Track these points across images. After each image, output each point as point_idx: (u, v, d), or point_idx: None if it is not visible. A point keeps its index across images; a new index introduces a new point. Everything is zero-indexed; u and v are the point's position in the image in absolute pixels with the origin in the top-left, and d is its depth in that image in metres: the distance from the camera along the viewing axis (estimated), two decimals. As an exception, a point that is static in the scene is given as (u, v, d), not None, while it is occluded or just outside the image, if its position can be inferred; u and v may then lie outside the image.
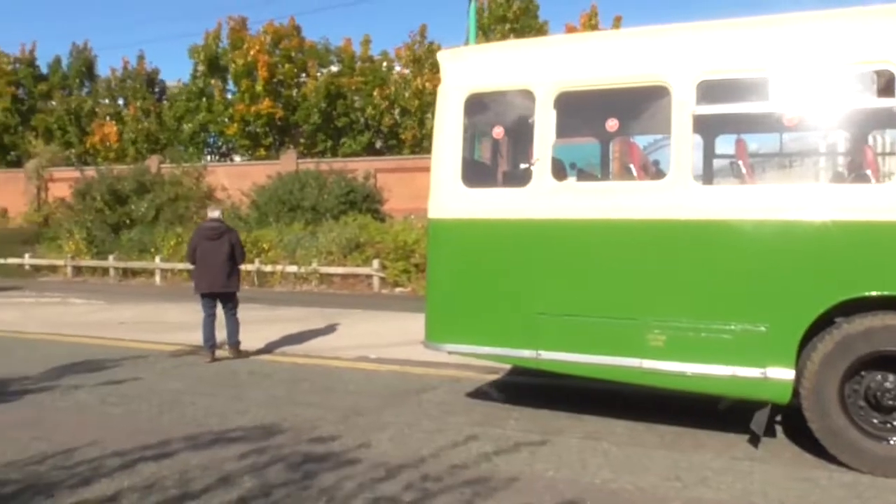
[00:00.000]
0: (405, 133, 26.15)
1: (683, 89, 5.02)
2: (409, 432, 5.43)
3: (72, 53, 32.61)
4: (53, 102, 31.28)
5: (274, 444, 5.10)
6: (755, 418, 4.91)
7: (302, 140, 28.18)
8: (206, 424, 5.67)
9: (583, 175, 6.98)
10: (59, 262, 22.78)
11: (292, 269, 18.80)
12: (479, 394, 6.68)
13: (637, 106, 5.90)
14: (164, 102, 30.82)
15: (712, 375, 4.89)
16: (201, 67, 28.72)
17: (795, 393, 4.75)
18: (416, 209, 17.82)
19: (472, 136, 6.36)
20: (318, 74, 27.98)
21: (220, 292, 8.51)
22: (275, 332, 10.20)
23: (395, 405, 6.28)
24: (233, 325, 8.60)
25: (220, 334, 8.54)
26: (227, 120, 28.02)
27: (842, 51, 4.77)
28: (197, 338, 8.69)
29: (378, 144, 27.81)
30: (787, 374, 4.72)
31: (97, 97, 31.55)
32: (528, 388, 6.80)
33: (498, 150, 6.87)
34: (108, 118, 30.35)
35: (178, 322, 11.70)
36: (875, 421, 4.63)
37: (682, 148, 5.06)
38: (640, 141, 7.26)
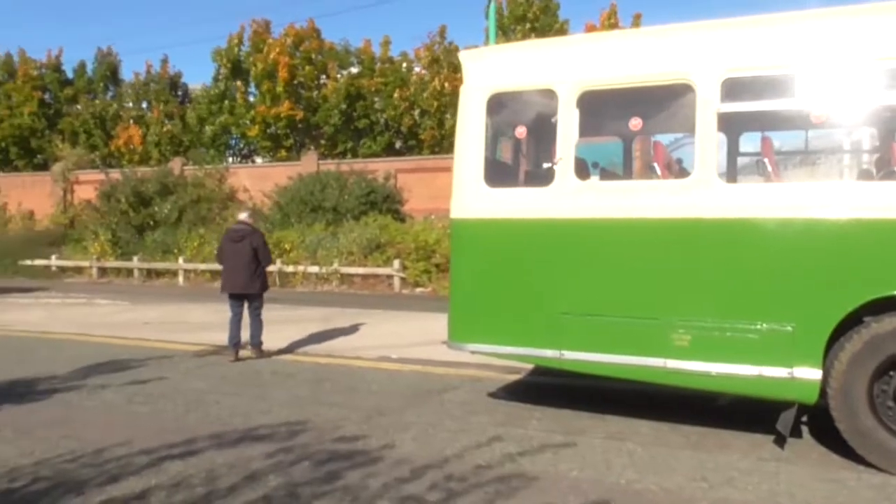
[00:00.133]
0: (424, 133, 26.16)
1: (708, 87, 4.98)
2: (433, 432, 5.44)
3: (97, 58, 32.99)
4: (79, 107, 31.66)
5: (299, 444, 5.13)
6: (781, 418, 4.87)
7: (322, 141, 28.27)
8: (230, 423, 5.72)
9: (606, 174, 6.95)
10: (85, 264, 23.06)
11: (314, 269, 18.90)
12: (502, 393, 6.67)
13: (660, 104, 5.86)
14: (187, 105, 31.11)
15: (738, 375, 4.85)
16: (224, 70, 28.92)
17: (822, 393, 4.69)
18: (437, 209, 17.82)
19: (495, 135, 6.35)
20: (339, 76, 28.04)
21: (243, 293, 8.64)
22: (297, 332, 10.28)
23: (418, 405, 6.29)
24: (256, 326, 8.70)
25: (245, 334, 8.63)
26: (248, 122, 28.17)
27: (869, 46, 4.70)
28: (220, 338, 8.81)
29: (398, 145, 27.84)
30: (814, 373, 4.67)
31: (121, 101, 31.91)
32: (549, 389, 6.78)
33: (520, 150, 6.86)
34: (132, 121, 30.65)
35: (201, 322, 11.83)
36: (904, 422, 4.56)
37: (707, 146, 5.03)
38: (664, 139, 7.21)
